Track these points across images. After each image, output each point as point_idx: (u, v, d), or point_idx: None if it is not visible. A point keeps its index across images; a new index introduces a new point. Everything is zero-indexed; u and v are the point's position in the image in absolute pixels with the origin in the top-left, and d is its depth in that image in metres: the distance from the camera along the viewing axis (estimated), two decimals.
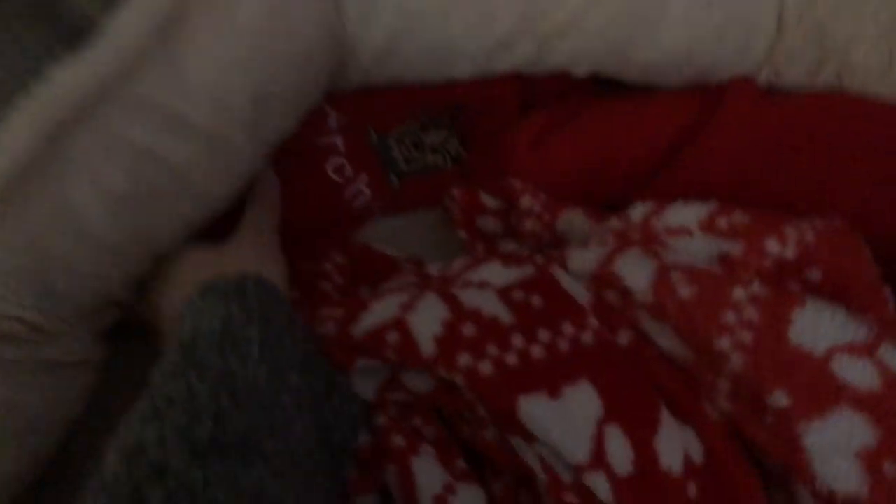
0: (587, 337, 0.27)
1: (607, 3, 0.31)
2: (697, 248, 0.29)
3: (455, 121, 0.36)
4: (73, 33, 0.27)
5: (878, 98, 0.32)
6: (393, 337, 0.27)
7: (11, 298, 0.27)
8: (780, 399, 0.26)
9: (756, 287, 0.27)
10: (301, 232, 0.35)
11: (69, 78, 0.26)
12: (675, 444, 0.26)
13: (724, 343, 0.26)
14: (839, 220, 0.29)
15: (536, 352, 0.26)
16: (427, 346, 0.26)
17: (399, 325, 0.27)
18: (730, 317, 0.26)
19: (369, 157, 0.36)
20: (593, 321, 0.27)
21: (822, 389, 0.25)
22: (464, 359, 0.26)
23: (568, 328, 0.27)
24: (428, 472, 0.27)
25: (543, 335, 0.27)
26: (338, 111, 0.35)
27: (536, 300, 0.28)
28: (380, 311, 0.28)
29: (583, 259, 0.29)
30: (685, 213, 0.30)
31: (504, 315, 0.27)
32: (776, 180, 0.32)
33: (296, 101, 0.31)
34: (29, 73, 0.26)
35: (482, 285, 0.29)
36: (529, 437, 0.26)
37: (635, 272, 0.28)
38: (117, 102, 0.27)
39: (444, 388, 0.27)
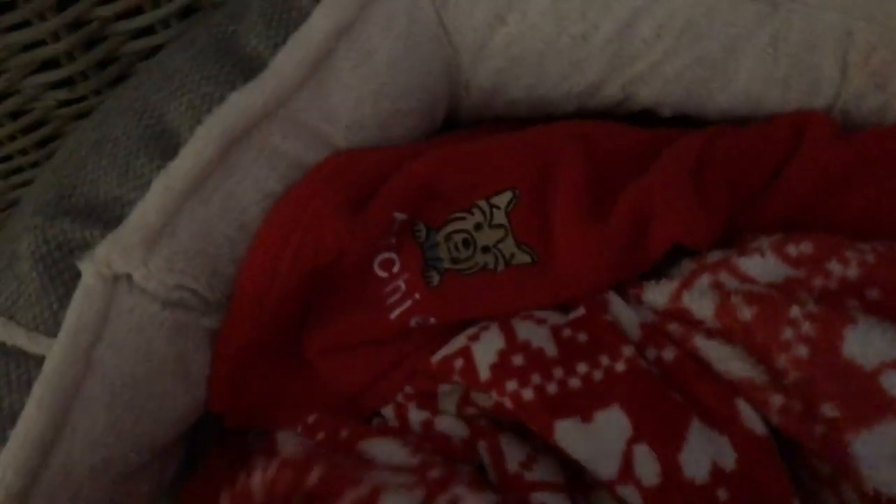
0: (620, 366, 0.28)
1: (683, 55, 0.32)
2: (766, 269, 0.30)
3: (510, 212, 0.33)
4: (247, 67, 0.32)
5: None
6: (459, 363, 0.30)
7: (189, 272, 0.31)
8: (830, 410, 0.26)
9: (811, 305, 0.27)
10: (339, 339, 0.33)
11: (242, 102, 0.31)
12: (701, 455, 0.26)
13: (782, 359, 0.27)
14: None
15: (574, 382, 0.28)
16: (484, 372, 0.29)
17: (464, 352, 0.30)
18: (788, 333, 0.27)
19: (415, 252, 0.33)
20: (627, 350, 0.28)
21: (870, 402, 0.26)
22: (511, 385, 0.28)
23: (604, 360, 0.28)
24: (512, 446, 0.29)
25: (581, 367, 0.28)
26: (402, 211, 0.33)
27: (582, 336, 0.29)
28: (453, 343, 0.31)
29: (655, 292, 0.31)
30: (760, 241, 0.31)
31: (550, 349, 0.29)
32: (849, 211, 0.32)
33: (415, 126, 0.35)
34: (214, 99, 0.32)
35: (540, 321, 0.30)
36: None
37: (703, 303, 0.29)
38: (276, 122, 0.31)
39: (501, 406, 0.29)
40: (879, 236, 0.31)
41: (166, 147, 0.31)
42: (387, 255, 0.33)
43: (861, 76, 0.33)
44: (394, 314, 0.32)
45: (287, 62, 0.31)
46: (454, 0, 0.33)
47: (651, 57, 0.33)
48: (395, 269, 0.33)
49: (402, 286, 0.32)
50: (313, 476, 0.28)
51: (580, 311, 0.31)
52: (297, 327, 0.33)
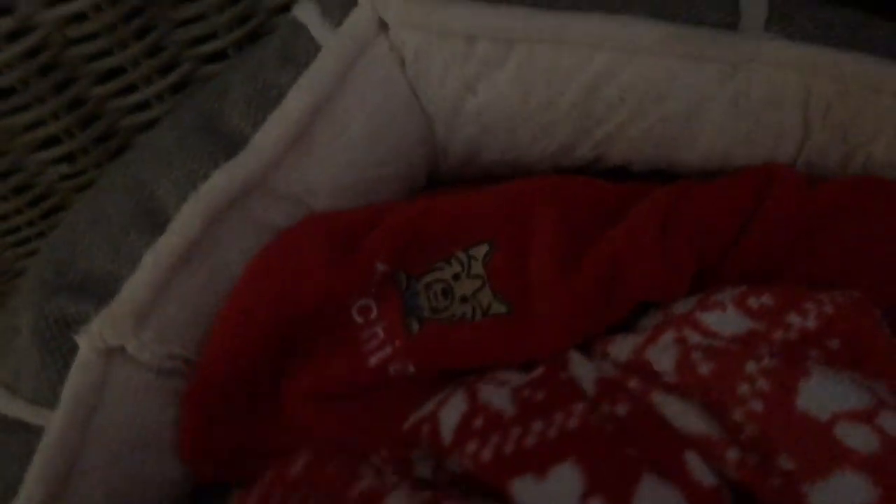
0: (573, 422, 0.28)
1: (648, 116, 0.34)
2: (728, 323, 0.30)
3: (487, 263, 0.34)
4: (230, 144, 0.33)
5: None
6: (426, 428, 0.30)
7: (179, 343, 0.33)
8: (786, 462, 0.27)
9: (767, 361, 0.28)
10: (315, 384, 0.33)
11: (224, 178, 0.33)
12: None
13: (738, 413, 0.28)
14: (857, 294, 0.30)
15: (530, 440, 0.28)
16: (447, 436, 0.29)
17: (432, 418, 0.30)
18: (743, 388, 0.28)
19: (396, 300, 0.34)
20: (579, 407, 0.29)
21: (826, 452, 0.26)
22: (471, 446, 0.28)
23: (558, 417, 0.29)
24: None
25: (537, 426, 0.29)
26: (384, 262, 0.34)
27: (539, 395, 0.30)
28: (423, 409, 0.31)
29: (621, 346, 0.31)
30: (724, 293, 0.32)
31: (509, 409, 0.29)
32: (815, 261, 0.33)
33: (396, 191, 0.37)
34: (199, 176, 0.34)
35: (502, 383, 0.31)
36: None
37: (663, 358, 0.30)
38: (258, 195, 0.33)
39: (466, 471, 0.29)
40: (846, 284, 0.32)
41: (156, 223, 0.33)
42: (364, 301, 0.34)
43: (822, 130, 0.34)
44: (372, 360, 0.33)
45: (266, 139, 0.33)
46: (425, 72, 0.34)
47: (617, 119, 0.34)
48: (373, 315, 0.34)
49: (380, 333, 0.34)
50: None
51: (539, 371, 0.32)
52: (272, 375, 0.34)
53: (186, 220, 0.32)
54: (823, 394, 0.27)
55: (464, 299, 0.34)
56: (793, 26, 0.33)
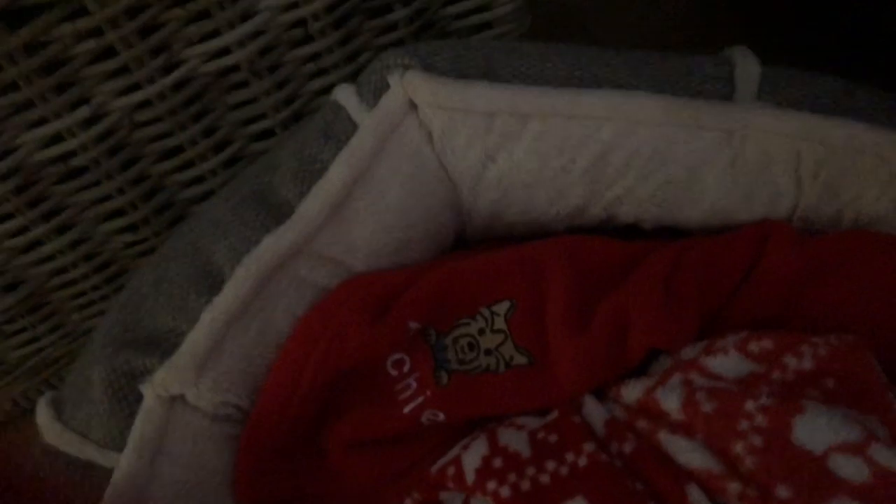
0: (583, 460, 0.32)
1: (652, 179, 0.37)
2: (730, 366, 0.33)
3: (509, 319, 0.37)
4: (279, 213, 0.38)
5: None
6: (451, 471, 0.34)
7: (233, 391, 0.37)
8: (783, 492, 0.29)
9: (765, 399, 0.31)
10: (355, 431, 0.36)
11: (273, 244, 0.37)
12: None
13: (739, 447, 0.30)
14: (852, 337, 0.33)
15: (544, 478, 0.32)
16: (470, 476, 0.33)
17: (456, 461, 0.34)
18: (744, 424, 0.31)
19: (427, 354, 0.37)
20: (589, 446, 0.32)
21: (821, 483, 0.29)
22: (492, 485, 0.32)
23: (570, 456, 0.32)
24: None
25: (551, 465, 0.32)
26: (415, 321, 0.37)
27: (553, 437, 0.34)
28: (450, 454, 0.35)
29: (632, 390, 0.34)
30: (727, 339, 0.34)
31: (525, 450, 0.33)
32: (811, 309, 0.36)
33: (426, 250, 0.40)
34: (251, 242, 0.38)
35: (520, 427, 0.35)
36: None
37: (670, 398, 0.32)
38: (303, 258, 0.37)
39: None
40: (841, 330, 0.34)
41: (213, 284, 0.37)
42: (398, 356, 0.38)
43: (814, 188, 0.37)
44: (407, 409, 0.37)
45: (311, 208, 0.37)
46: (451, 145, 0.38)
47: (625, 182, 0.38)
48: (406, 368, 0.38)
49: (414, 384, 0.37)
50: None
51: (554, 415, 0.35)
52: (317, 426, 0.37)
53: (240, 282, 0.36)
54: (817, 428, 0.30)
55: (488, 352, 0.37)
56: (782, 96, 0.37)
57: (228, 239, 0.37)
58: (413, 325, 0.37)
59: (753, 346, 0.33)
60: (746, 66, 0.38)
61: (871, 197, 0.37)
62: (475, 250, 0.42)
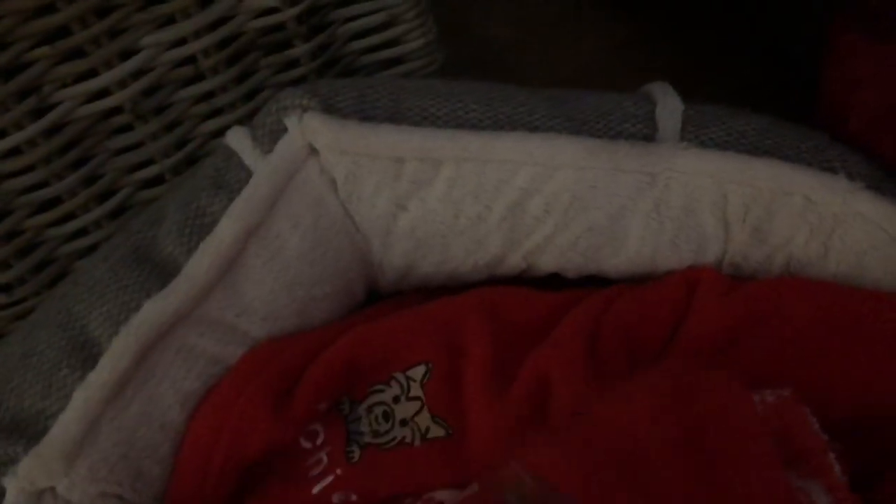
0: None
1: (573, 227, 0.35)
2: None
3: (425, 384, 0.34)
4: (163, 273, 0.34)
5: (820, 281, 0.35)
6: None
7: (113, 479, 0.32)
8: None
9: None
10: None
11: (156, 309, 0.33)
12: None
13: None
14: (787, 392, 0.30)
15: None
16: None
17: None
18: None
19: (339, 425, 0.34)
20: None
21: None
22: None
23: None
24: None
25: None
26: (325, 401, 0.34)
27: None
28: None
29: None
30: None
31: None
32: (743, 362, 0.34)
33: (333, 309, 0.37)
34: (131, 307, 0.34)
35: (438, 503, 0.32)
36: None
37: None
38: (191, 323, 0.33)
39: None
40: (774, 383, 0.32)
41: (87, 357, 0.32)
42: (312, 426, 0.34)
43: (742, 233, 0.35)
44: (316, 489, 0.33)
45: (198, 267, 0.33)
46: (357, 193, 0.35)
47: (544, 230, 0.35)
48: (319, 440, 0.34)
49: (325, 459, 0.34)
50: None
51: (474, 488, 0.31)
52: None
53: (117, 354, 0.32)
54: None
55: (404, 422, 0.34)
56: (706, 135, 0.35)
57: (105, 305, 0.33)
58: (322, 405, 0.34)
59: None
60: (668, 104, 0.36)
61: (800, 240, 0.35)
62: (389, 305, 0.38)
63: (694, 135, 0.35)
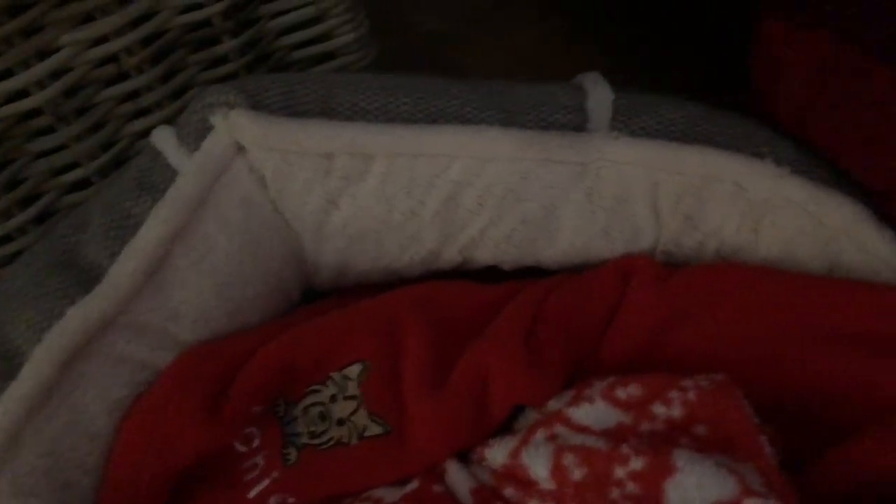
0: None
1: (507, 219, 0.35)
2: (597, 417, 0.30)
3: (362, 383, 0.33)
4: (87, 278, 0.33)
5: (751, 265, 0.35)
6: None
7: (38, 493, 0.31)
8: None
9: (633, 462, 0.28)
10: None
11: (79, 316, 0.32)
12: None
13: None
14: (721, 377, 0.31)
15: None
16: None
17: None
18: (615, 493, 0.28)
19: (275, 427, 0.33)
20: None
21: None
22: None
23: None
24: None
25: None
26: (259, 404, 0.33)
27: None
28: None
29: (497, 451, 0.31)
30: (593, 387, 0.32)
31: None
32: (678, 348, 0.34)
33: (267, 308, 0.36)
34: (54, 315, 0.32)
35: (377, 501, 0.31)
36: None
37: (538, 463, 0.29)
38: (117, 329, 0.32)
39: None
40: (710, 367, 0.32)
41: (10, 368, 0.31)
42: (247, 429, 0.33)
43: (674, 220, 0.35)
44: (252, 492, 0.32)
45: (122, 271, 0.32)
46: (287, 190, 0.34)
47: (478, 223, 0.35)
48: (255, 443, 0.33)
49: (261, 462, 0.33)
50: None
51: (414, 485, 0.31)
52: None
53: (40, 363, 0.31)
54: (689, 490, 0.27)
55: (341, 422, 0.33)
56: (636, 124, 0.35)
57: (27, 313, 0.32)
58: (256, 408, 0.33)
59: (620, 393, 0.31)
60: (598, 94, 0.36)
61: (732, 226, 0.35)
62: (326, 304, 0.38)
63: (624, 124, 0.35)
